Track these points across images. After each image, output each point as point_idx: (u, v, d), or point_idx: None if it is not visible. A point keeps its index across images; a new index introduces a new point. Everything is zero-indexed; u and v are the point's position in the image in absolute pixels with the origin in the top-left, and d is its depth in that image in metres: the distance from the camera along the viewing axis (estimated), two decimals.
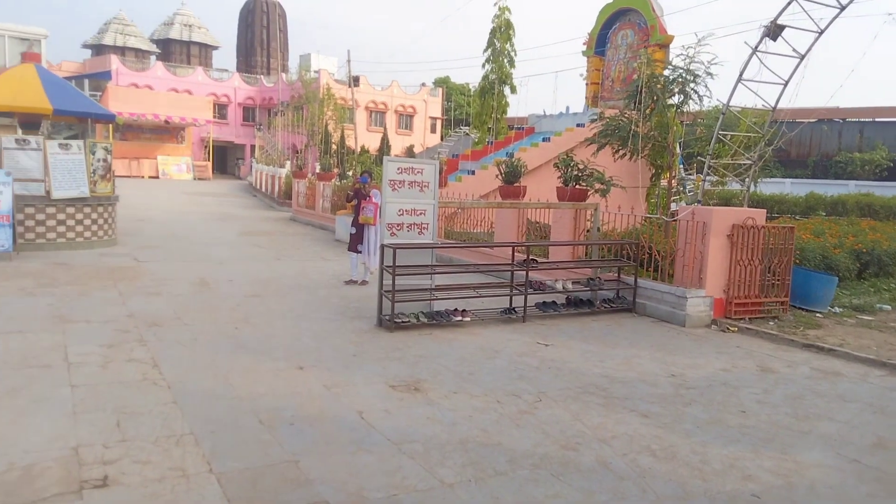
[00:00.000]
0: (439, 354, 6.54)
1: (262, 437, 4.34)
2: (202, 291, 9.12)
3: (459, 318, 7.84)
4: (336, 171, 22.49)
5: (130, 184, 28.97)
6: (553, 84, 35.26)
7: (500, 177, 11.88)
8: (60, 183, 11.90)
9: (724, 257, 8.30)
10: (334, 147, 33.48)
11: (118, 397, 4.88)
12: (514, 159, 12.51)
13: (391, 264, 7.42)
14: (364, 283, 10.17)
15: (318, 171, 23.16)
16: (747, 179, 12.63)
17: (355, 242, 10.30)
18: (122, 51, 48.86)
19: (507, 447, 4.37)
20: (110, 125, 26.51)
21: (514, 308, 8.33)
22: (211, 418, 4.62)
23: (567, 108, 21.79)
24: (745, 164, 12.48)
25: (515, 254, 9.19)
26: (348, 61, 38.03)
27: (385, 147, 37.21)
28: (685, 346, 7.26)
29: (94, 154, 12.45)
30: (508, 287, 8.72)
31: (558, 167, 10.61)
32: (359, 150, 36.20)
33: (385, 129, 43.56)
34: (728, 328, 8.10)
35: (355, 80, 41.01)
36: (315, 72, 44.68)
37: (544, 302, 8.69)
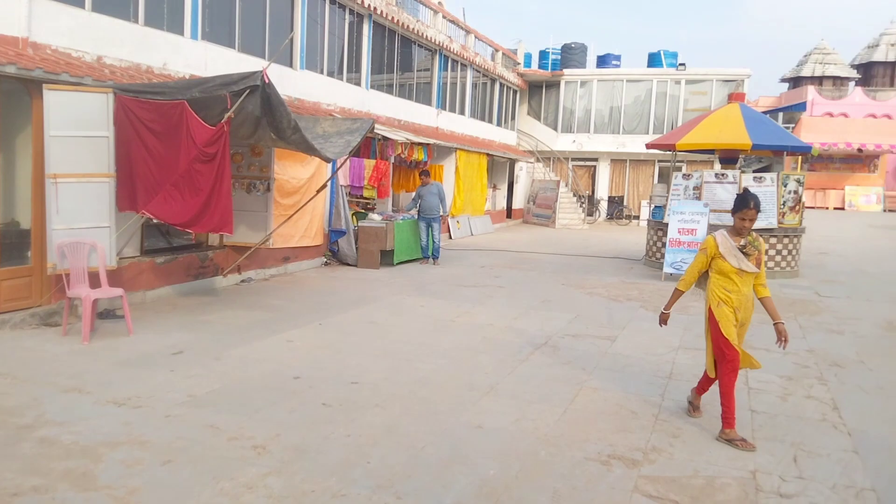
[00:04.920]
0: None
1: None
2: (890, 336, 8.24)
3: None
4: None
5: (814, 215, 28.29)
6: None
7: None
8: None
9: None
10: None
11: (796, 432, 4.89)
12: None
13: None
14: None
15: None
16: None
17: None
18: (819, 80, 48.13)
19: None
20: (800, 157, 26.54)
21: None
22: (894, 479, 4.16)
23: None
24: None
25: None
26: None
27: None
28: None
29: (785, 186, 12.73)
30: None
31: None
32: None
33: None
34: None
35: None
36: None
37: None
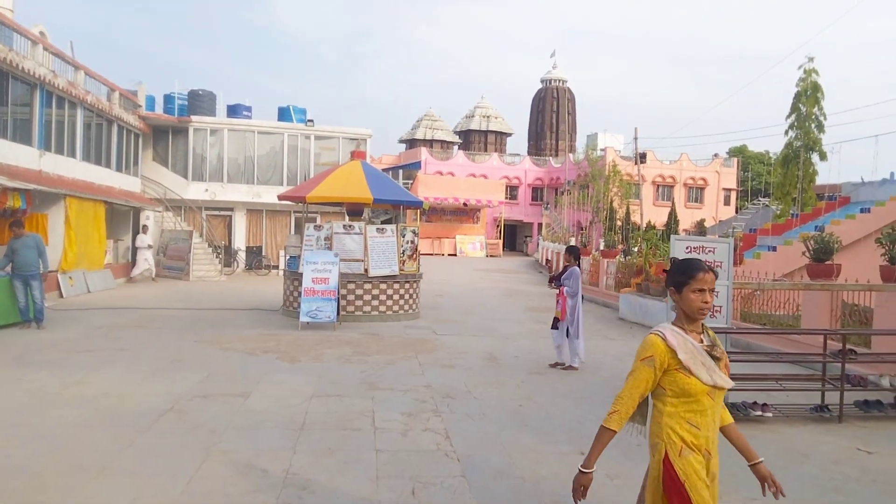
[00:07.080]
0: (735, 452, 5.93)
1: None
2: (490, 366, 9.56)
3: (759, 412, 7.07)
4: (620, 247, 22.27)
5: (432, 261, 31.92)
6: (873, 149, 31.44)
7: (807, 254, 10.71)
8: (376, 262, 13.61)
9: None
10: (619, 223, 33.31)
11: (414, 465, 5.28)
12: (824, 234, 11.24)
13: None
14: (565, 366, 9.46)
15: (601, 247, 23.20)
16: None
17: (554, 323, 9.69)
18: (430, 143, 55.05)
19: None
20: (418, 210, 29.74)
21: (826, 405, 7.27)
22: (495, 496, 4.75)
23: (892, 175, 19.07)
24: None
25: (828, 342, 8.08)
26: (635, 139, 37.99)
27: (673, 221, 35.95)
28: None
29: (403, 237, 14.06)
30: (819, 380, 7.67)
31: (881, 242, 9.25)
32: (644, 225, 35.49)
33: (673, 202, 42.23)
34: None
35: (642, 157, 40.71)
36: (601, 150, 45.44)
37: (866, 401, 7.44)
